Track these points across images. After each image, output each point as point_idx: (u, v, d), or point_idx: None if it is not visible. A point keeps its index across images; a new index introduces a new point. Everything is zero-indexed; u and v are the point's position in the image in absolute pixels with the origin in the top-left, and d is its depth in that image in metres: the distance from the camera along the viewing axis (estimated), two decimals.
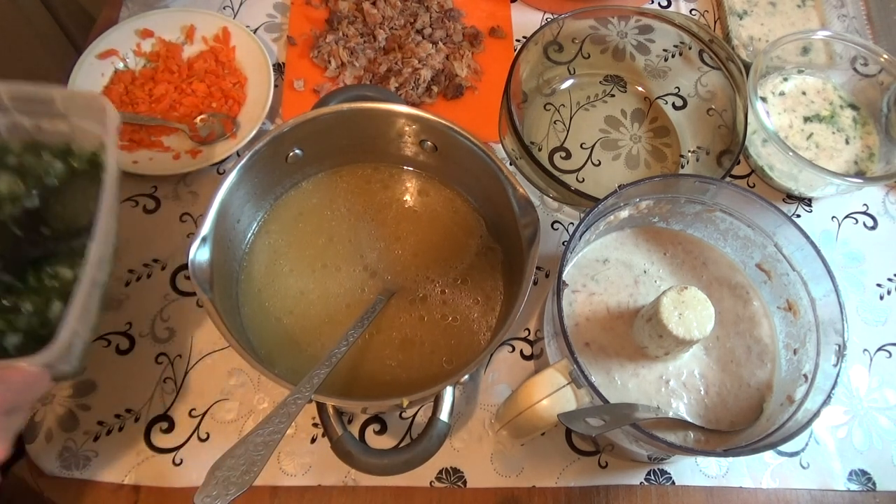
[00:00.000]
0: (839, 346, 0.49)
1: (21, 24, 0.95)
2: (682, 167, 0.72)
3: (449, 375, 0.50)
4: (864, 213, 0.74)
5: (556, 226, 0.70)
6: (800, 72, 0.76)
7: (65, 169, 0.56)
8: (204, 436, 0.58)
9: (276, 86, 0.72)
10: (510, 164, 0.64)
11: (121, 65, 0.73)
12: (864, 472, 0.61)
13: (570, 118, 0.74)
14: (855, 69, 0.74)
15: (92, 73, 0.71)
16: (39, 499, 0.56)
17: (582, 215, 0.52)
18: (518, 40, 0.80)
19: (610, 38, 0.74)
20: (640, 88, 0.77)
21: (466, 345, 0.59)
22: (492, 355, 0.62)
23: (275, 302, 0.59)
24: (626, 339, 0.54)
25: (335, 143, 0.61)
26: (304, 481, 0.57)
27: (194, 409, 0.59)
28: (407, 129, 0.60)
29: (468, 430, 0.60)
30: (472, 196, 0.64)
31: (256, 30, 0.79)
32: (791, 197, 0.74)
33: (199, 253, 0.50)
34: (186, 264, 0.50)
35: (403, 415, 0.60)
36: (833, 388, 0.47)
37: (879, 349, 0.67)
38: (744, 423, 0.52)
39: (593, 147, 0.73)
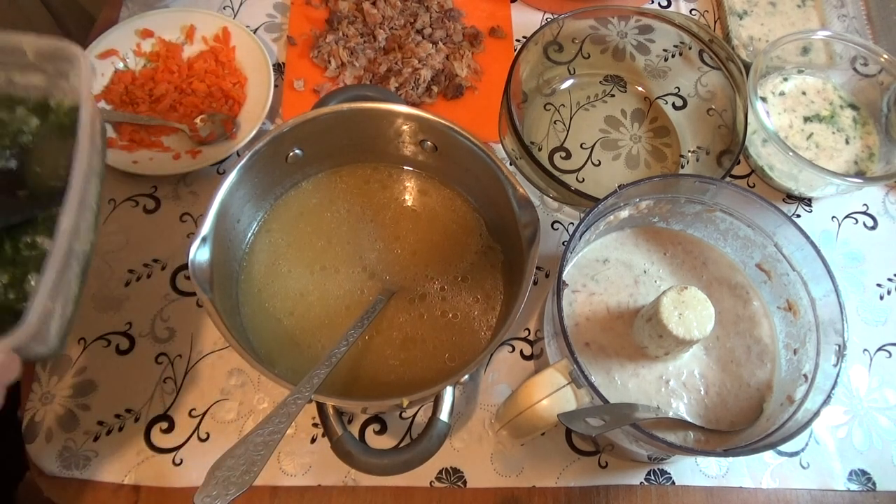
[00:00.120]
0: (839, 346, 0.49)
1: (21, 23, 0.95)
2: (682, 167, 0.72)
3: (452, 372, 0.50)
4: (864, 213, 0.74)
5: (556, 226, 0.70)
6: (800, 72, 0.76)
7: (42, 126, 0.51)
8: (204, 436, 0.58)
9: (276, 86, 0.72)
10: (510, 164, 0.64)
11: (121, 65, 0.73)
12: (864, 472, 0.61)
13: (570, 118, 0.74)
14: (855, 69, 0.74)
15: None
16: None
17: (582, 215, 0.52)
18: (518, 40, 0.80)
19: (610, 38, 0.74)
20: (640, 88, 0.77)
21: (468, 342, 0.59)
22: (492, 355, 0.62)
23: (275, 303, 0.59)
24: (626, 339, 0.54)
25: (335, 143, 0.61)
26: (304, 481, 0.57)
27: (194, 409, 0.59)
28: (407, 128, 0.60)
29: (468, 430, 0.60)
30: (472, 196, 0.64)
31: (256, 30, 0.79)
32: (791, 197, 0.74)
33: (199, 253, 0.50)
34: (186, 264, 0.50)
35: (403, 415, 0.60)
36: (833, 388, 0.47)
37: (879, 349, 0.67)
38: (744, 423, 0.52)
39: (593, 147, 0.73)
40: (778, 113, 0.74)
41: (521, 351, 0.63)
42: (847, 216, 0.73)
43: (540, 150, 0.72)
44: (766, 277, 0.57)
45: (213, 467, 0.41)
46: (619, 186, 0.52)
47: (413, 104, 0.70)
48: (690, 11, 0.85)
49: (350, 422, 0.59)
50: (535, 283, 0.66)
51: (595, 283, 0.57)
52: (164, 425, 0.58)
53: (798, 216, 0.73)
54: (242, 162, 0.54)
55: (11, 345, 0.40)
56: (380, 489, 0.57)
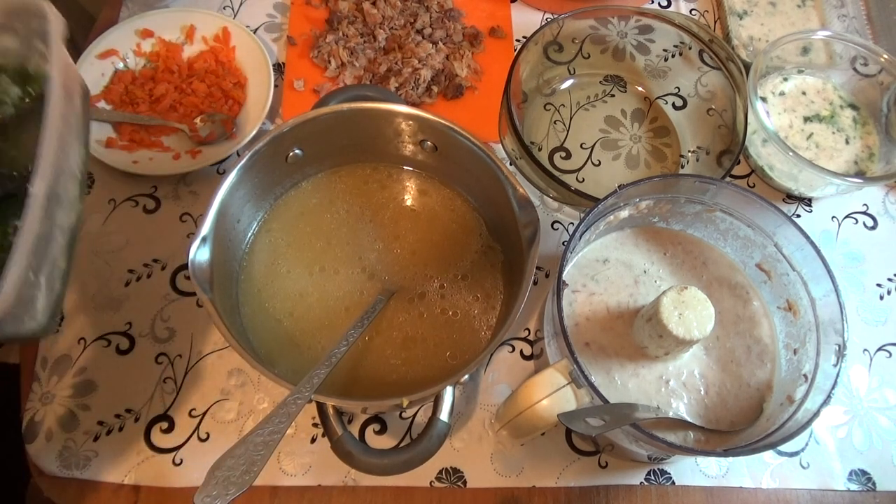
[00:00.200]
0: (839, 346, 0.49)
1: None
2: (682, 167, 0.72)
3: (454, 370, 0.50)
4: (864, 213, 0.74)
5: (556, 226, 0.70)
6: (800, 72, 0.76)
7: (23, 95, 0.49)
8: (204, 436, 0.58)
9: (276, 86, 0.72)
10: (510, 164, 0.64)
11: (121, 65, 0.73)
12: (864, 472, 0.61)
13: (570, 118, 0.74)
14: (855, 69, 0.74)
15: (92, 73, 0.71)
16: None
17: (582, 215, 0.52)
18: (518, 40, 0.80)
19: (610, 38, 0.74)
20: (640, 88, 0.77)
21: (468, 340, 0.59)
22: (492, 355, 0.62)
23: (275, 303, 0.59)
24: (626, 339, 0.54)
25: (335, 143, 0.61)
26: (304, 481, 0.57)
27: (194, 409, 0.59)
28: (407, 128, 0.60)
29: (468, 430, 0.60)
30: (472, 196, 0.64)
31: (256, 30, 0.79)
32: (791, 197, 0.74)
33: (199, 253, 0.50)
34: (186, 264, 0.50)
35: (403, 415, 0.60)
36: (833, 388, 0.47)
37: (879, 349, 0.67)
38: (744, 423, 0.52)
39: (593, 147, 0.73)
40: (778, 113, 0.74)
41: (521, 351, 0.63)
42: (847, 216, 0.73)
43: (540, 150, 0.72)
44: (766, 277, 0.57)
45: (213, 467, 0.41)
46: (619, 186, 0.52)
47: (413, 104, 0.70)
48: (690, 11, 0.85)
49: (350, 422, 0.59)
50: (535, 282, 0.66)
51: (595, 283, 0.57)
52: (164, 425, 0.58)
53: (798, 216, 0.73)
54: (242, 162, 0.54)
55: None
56: (380, 489, 0.57)
